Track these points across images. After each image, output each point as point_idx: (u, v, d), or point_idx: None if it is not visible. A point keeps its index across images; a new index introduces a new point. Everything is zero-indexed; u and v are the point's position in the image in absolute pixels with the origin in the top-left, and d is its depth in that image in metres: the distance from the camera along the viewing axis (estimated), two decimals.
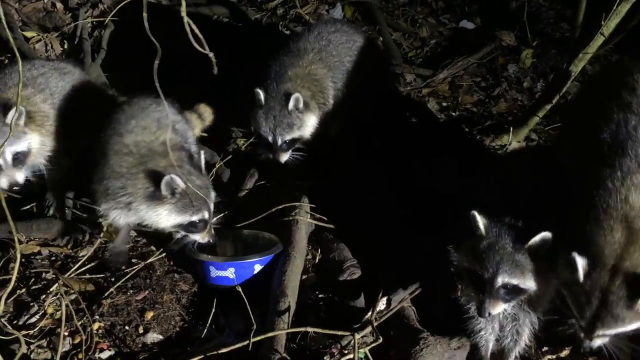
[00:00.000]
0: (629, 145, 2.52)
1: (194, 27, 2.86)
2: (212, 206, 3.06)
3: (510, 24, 5.25)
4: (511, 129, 3.96)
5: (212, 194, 3.08)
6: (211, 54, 2.61)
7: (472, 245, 2.55)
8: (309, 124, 3.69)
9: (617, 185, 2.44)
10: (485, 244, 2.50)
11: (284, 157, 3.66)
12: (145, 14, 1.91)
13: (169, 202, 2.93)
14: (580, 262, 2.36)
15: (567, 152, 2.87)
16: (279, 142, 3.62)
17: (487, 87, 4.72)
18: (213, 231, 3.10)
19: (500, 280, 2.47)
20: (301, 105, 3.60)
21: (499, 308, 2.53)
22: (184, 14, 2.72)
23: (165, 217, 2.97)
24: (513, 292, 2.51)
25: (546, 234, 2.46)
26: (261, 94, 3.58)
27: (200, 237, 3.08)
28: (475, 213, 2.52)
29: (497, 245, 2.48)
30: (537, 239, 2.46)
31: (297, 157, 3.71)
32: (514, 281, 2.47)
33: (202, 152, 3.15)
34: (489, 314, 2.52)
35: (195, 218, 2.99)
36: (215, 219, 3.15)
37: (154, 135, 3.07)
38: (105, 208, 3.07)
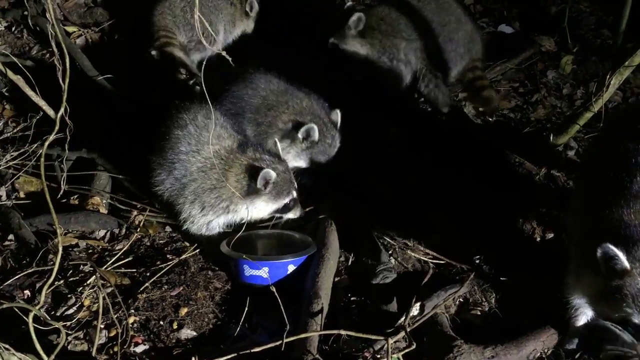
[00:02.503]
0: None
1: (205, 24, 2.92)
2: (296, 184, 3.27)
3: (550, 29, 5.17)
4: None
5: (292, 174, 3.30)
6: (223, 53, 2.67)
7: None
8: None
9: (631, 203, 2.50)
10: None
11: None
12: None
13: (264, 194, 3.17)
14: (617, 250, 2.35)
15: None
16: None
17: (525, 93, 4.65)
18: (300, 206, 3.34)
19: None
20: None
21: None
22: (196, 9, 2.74)
23: (263, 208, 3.24)
24: None
25: None
26: (316, 130, 3.55)
27: (293, 214, 3.32)
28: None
29: None
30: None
31: None
32: None
33: (276, 139, 3.40)
34: None
35: (287, 200, 3.24)
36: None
37: (229, 140, 3.25)
38: (204, 221, 3.26)
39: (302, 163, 3.65)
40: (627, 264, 2.36)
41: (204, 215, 3.24)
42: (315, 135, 3.54)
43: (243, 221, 3.26)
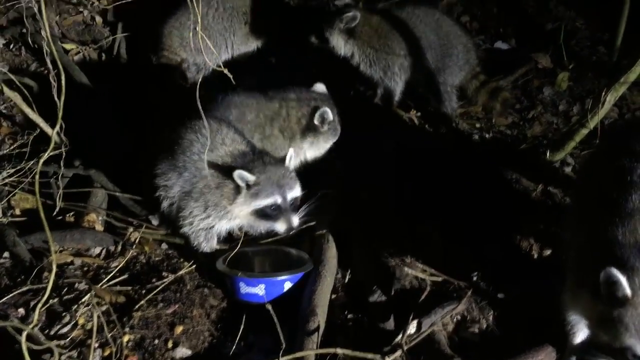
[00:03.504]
0: (633, 192, 2.54)
1: (208, 43, 2.97)
2: (287, 193, 3.18)
3: (545, 46, 5.20)
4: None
5: (291, 182, 3.21)
6: (225, 70, 2.69)
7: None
8: None
9: (626, 222, 2.46)
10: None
11: None
12: None
13: (244, 191, 3.15)
14: (620, 275, 2.24)
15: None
16: None
17: (521, 110, 4.66)
18: (295, 220, 3.22)
19: None
20: None
21: None
22: (198, 29, 2.78)
23: (240, 207, 3.18)
24: None
25: None
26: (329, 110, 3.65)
27: (279, 226, 3.21)
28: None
29: None
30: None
31: None
32: None
33: (291, 150, 3.37)
34: None
35: (265, 203, 3.14)
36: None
37: (242, 145, 3.31)
38: (205, 225, 3.26)
39: (330, 143, 3.75)
40: (628, 291, 2.26)
41: (207, 216, 3.24)
42: (330, 115, 3.61)
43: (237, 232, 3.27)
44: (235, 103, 3.64)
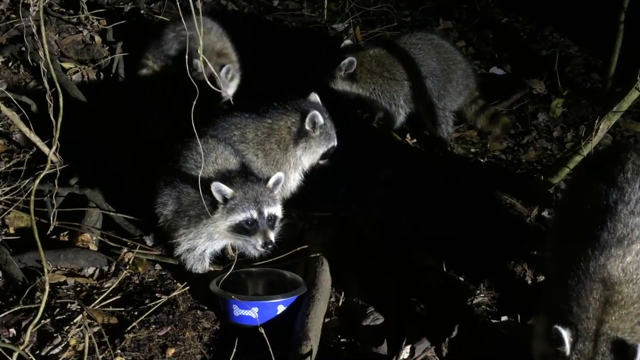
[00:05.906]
0: (607, 218, 2.55)
1: (209, 65, 3.00)
2: (264, 209, 3.16)
3: (540, 72, 5.26)
4: None
5: (269, 200, 3.19)
6: (224, 93, 2.70)
7: None
8: None
9: (597, 254, 2.48)
10: None
11: None
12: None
13: (221, 206, 3.14)
14: (566, 335, 2.36)
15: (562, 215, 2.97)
16: None
17: (516, 135, 4.70)
18: (272, 235, 3.18)
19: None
20: None
21: None
22: (200, 51, 2.81)
23: (221, 222, 3.15)
24: None
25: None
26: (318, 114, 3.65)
27: (254, 241, 3.17)
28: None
29: None
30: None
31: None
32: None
33: (279, 174, 3.32)
34: None
35: (241, 218, 3.12)
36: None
37: (233, 164, 3.35)
38: (192, 245, 3.27)
39: (324, 148, 3.71)
40: (568, 354, 2.38)
41: (193, 237, 3.25)
42: (320, 119, 3.62)
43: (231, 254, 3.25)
44: (236, 124, 3.68)
